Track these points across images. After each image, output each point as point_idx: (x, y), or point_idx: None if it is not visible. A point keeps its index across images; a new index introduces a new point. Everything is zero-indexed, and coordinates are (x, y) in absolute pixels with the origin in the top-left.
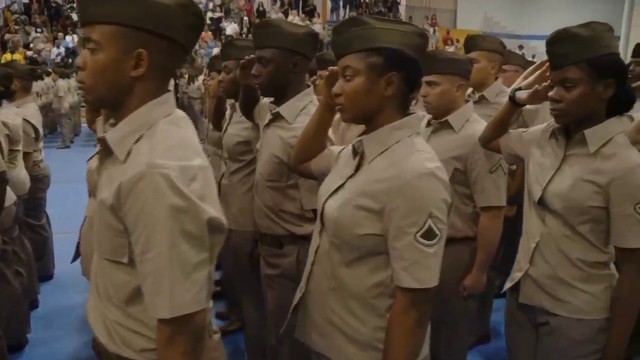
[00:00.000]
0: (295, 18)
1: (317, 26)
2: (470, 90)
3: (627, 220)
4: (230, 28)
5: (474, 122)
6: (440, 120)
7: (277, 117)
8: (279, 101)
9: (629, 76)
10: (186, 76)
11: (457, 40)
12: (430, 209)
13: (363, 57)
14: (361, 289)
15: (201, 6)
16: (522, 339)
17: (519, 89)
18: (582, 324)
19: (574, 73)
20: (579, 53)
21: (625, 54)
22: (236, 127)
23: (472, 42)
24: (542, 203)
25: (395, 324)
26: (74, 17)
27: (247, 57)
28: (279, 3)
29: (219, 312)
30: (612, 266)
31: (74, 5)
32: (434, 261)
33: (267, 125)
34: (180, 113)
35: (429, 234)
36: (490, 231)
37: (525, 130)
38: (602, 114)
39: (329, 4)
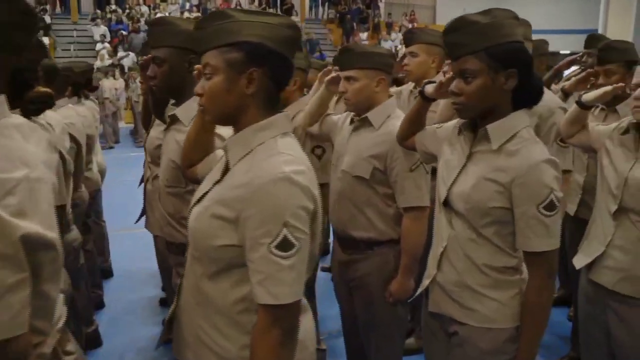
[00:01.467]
0: None
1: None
2: (411, 85)
3: (530, 222)
4: None
5: (395, 119)
6: (360, 118)
7: (174, 119)
8: (179, 103)
9: (581, 67)
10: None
11: None
12: (286, 217)
13: (222, 53)
14: (225, 304)
15: (178, 6)
16: (436, 350)
17: (430, 82)
18: (491, 334)
19: (472, 64)
20: (477, 42)
21: None
22: (157, 130)
23: (410, 35)
24: (447, 204)
25: (257, 343)
26: (47, 19)
27: (144, 57)
28: (256, 1)
29: None
30: (525, 270)
31: (47, 7)
32: (291, 274)
33: (167, 128)
34: (15, 120)
35: (284, 245)
36: (413, 233)
37: (440, 125)
38: (507, 107)
39: (307, 2)
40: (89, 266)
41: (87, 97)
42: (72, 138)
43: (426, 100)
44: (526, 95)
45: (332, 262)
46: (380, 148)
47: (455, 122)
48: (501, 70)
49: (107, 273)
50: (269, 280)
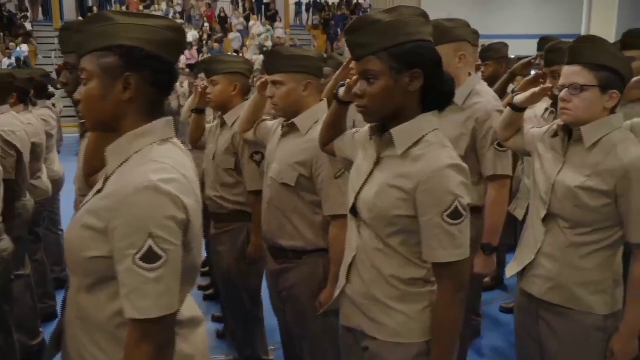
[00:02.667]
0: (257, 23)
1: (280, 31)
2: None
3: (434, 231)
4: (191, 35)
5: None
6: (287, 123)
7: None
8: None
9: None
10: None
11: None
12: (151, 228)
13: (97, 57)
14: (103, 318)
15: (162, 14)
16: None
17: (343, 84)
18: (400, 349)
19: (374, 65)
20: (378, 42)
21: None
22: None
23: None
24: (355, 212)
25: (127, 359)
26: (28, 26)
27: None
28: (241, 9)
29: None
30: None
31: (28, 14)
32: (157, 287)
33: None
34: None
35: (149, 257)
36: (341, 242)
37: (357, 130)
38: (414, 110)
39: (291, 9)
40: (39, 276)
41: (34, 105)
42: (12, 146)
43: (341, 104)
44: (436, 98)
45: (266, 272)
46: (305, 154)
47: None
48: (405, 71)
49: (64, 283)
50: (134, 293)
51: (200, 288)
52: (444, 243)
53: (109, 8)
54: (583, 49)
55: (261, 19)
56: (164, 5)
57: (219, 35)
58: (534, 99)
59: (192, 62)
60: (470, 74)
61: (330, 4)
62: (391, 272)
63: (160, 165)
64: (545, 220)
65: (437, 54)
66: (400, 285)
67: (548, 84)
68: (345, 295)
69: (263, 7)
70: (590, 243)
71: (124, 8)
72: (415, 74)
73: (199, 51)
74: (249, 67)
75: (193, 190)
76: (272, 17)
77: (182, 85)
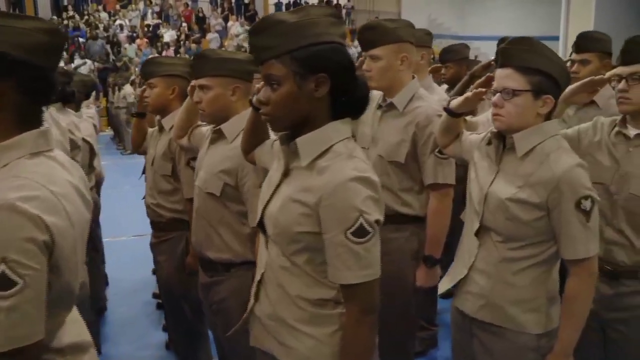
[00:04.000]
0: (235, 23)
1: None
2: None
3: (338, 250)
4: (168, 35)
5: None
6: (215, 129)
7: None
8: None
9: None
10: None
11: None
12: (5, 251)
13: None
14: None
15: (139, 13)
16: None
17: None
18: None
19: (277, 69)
20: (282, 44)
21: (565, 54)
22: None
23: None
24: (262, 227)
25: None
26: None
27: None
28: (219, 9)
29: None
30: None
31: None
32: (11, 317)
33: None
34: None
35: (2, 284)
36: None
37: (277, 138)
38: (323, 118)
39: (270, 10)
40: None
41: None
42: None
43: (257, 110)
44: (347, 104)
45: (198, 285)
46: (231, 162)
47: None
48: (310, 76)
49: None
50: None
51: (155, 296)
52: (349, 263)
53: (84, 7)
54: (515, 52)
55: (240, 20)
56: (141, 5)
57: (197, 35)
58: (467, 104)
59: None
60: (413, 77)
61: (310, 4)
62: (297, 292)
63: (22, 182)
64: (478, 233)
65: (346, 57)
66: (308, 307)
67: (482, 89)
68: (253, 315)
69: (243, 7)
70: (522, 258)
71: (100, 7)
72: (320, 79)
73: (176, 52)
74: (189, 69)
75: (63, 208)
76: (251, 18)
77: None
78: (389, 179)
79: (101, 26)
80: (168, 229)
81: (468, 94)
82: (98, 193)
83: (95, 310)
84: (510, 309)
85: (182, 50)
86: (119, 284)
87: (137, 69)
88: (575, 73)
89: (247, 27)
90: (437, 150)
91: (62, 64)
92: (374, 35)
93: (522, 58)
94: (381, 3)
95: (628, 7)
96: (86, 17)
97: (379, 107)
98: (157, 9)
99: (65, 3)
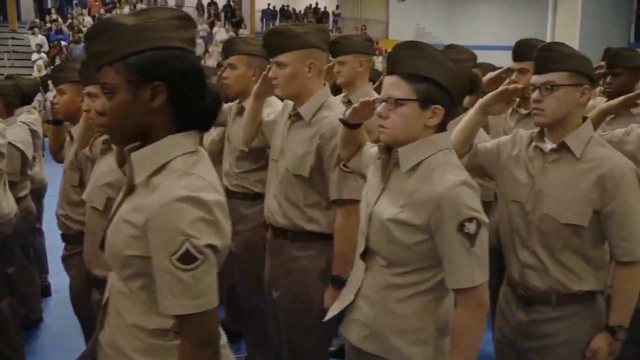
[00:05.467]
0: (221, 30)
1: None
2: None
3: (164, 277)
4: None
5: None
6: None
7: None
8: None
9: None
10: None
11: (386, 51)
12: None
13: None
14: None
15: None
16: None
17: None
18: None
19: (110, 77)
20: (116, 50)
21: None
22: None
23: (228, 46)
24: (103, 248)
25: None
26: None
27: None
28: (205, 15)
29: None
30: None
31: None
32: None
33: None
34: None
35: None
36: None
37: None
38: (163, 130)
39: (256, 15)
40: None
41: None
42: None
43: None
44: (191, 115)
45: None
46: (114, 175)
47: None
48: (145, 84)
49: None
50: None
51: None
52: (176, 292)
53: (69, 10)
54: (402, 57)
55: (226, 26)
56: (126, 9)
57: None
58: (357, 114)
59: None
60: (325, 84)
61: (297, 11)
62: (133, 321)
63: None
64: (364, 256)
65: (187, 63)
66: (144, 337)
67: (369, 98)
68: (99, 343)
69: (229, 13)
70: (407, 285)
71: (85, 11)
72: (157, 88)
73: None
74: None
75: None
76: (237, 24)
77: None
78: (294, 194)
79: (84, 30)
80: (77, 242)
81: (356, 104)
82: (37, 201)
83: (27, 323)
84: (395, 340)
85: None
86: (62, 294)
87: None
88: (514, 82)
89: (232, 34)
90: (342, 163)
91: (43, 67)
92: (279, 40)
93: (409, 64)
94: (369, 11)
95: (613, 16)
96: (70, 20)
97: (290, 116)
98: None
99: (49, 6)
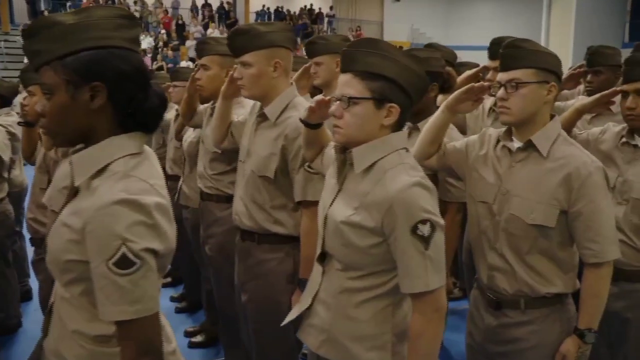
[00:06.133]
0: (215, 31)
1: None
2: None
3: (101, 282)
4: (146, 42)
5: None
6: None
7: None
8: None
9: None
10: None
11: None
12: None
13: None
14: None
15: None
16: None
17: None
18: None
19: (48, 77)
20: (53, 49)
21: None
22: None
23: (201, 47)
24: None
25: None
26: None
27: None
28: (200, 17)
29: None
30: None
31: None
32: None
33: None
34: None
35: None
36: None
37: None
38: (105, 132)
39: (251, 18)
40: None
41: None
42: None
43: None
44: (134, 116)
45: None
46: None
47: None
48: (84, 85)
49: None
50: None
51: (174, 299)
52: (113, 298)
53: (62, 11)
54: (357, 55)
55: (220, 27)
56: None
57: (175, 42)
58: (313, 114)
59: None
60: (292, 84)
61: (291, 12)
62: (76, 327)
63: None
64: (320, 259)
65: (128, 63)
66: (87, 344)
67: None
68: (42, 350)
69: (223, 15)
70: (363, 290)
71: None
72: (96, 88)
73: (153, 58)
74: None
75: None
76: (231, 26)
77: None
78: (260, 195)
79: None
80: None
81: (312, 103)
82: (17, 204)
83: (3, 328)
84: (352, 346)
85: (158, 57)
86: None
87: None
88: (490, 80)
89: (227, 35)
90: (307, 164)
91: None
92: (244, 40)
93: (363, 62)
94: (363, 12)
95: (608, 16)
96: None
97: (257, 117)
98: (136, 15)
99: (42, 8)
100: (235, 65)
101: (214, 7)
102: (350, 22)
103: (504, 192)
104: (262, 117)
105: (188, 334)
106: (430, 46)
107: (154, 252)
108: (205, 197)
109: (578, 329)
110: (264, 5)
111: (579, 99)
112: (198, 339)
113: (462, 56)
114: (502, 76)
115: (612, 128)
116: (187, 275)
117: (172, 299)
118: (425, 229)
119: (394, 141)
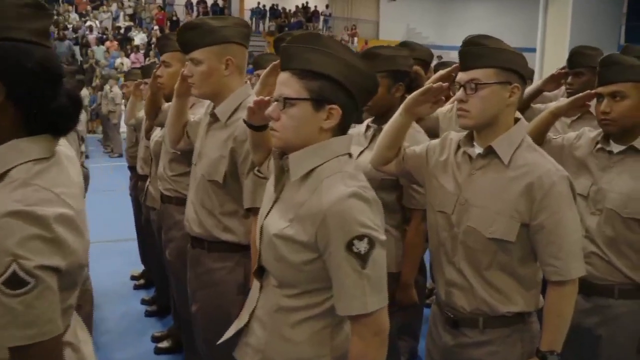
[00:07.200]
0: None
1: None
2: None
3: None
4: (139, 38)
5: None
6: None
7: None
8: None
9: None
10: None
11: None
12: None
13: None
14: None
15: (111, 15)
16: None
17: None
18: None
19: None
20: None
21: (542, 65)
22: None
23: (162, 43)
24: None
25: None
26: None
27: None
28: (195, 13)
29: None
30: None
31: None
32: None
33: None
34: None
35: None
36: None
37: None
38: (7, 134)
39: (246, 15)
40: None
41: None
42: None
43: None
44: (38, 118)
45: None
46: None
47: None
48: None
49: None
50: None
51: (145, 302)
52: (2, 321)
53: (55, 7)
54: (296, 51)
55: None
56: (114, 6)
57: None
58: (253, 114)
59: (137, 65)
60: (246, 82)
61: (287, 10)
62: None
63: None
64: (258, 273)
65: (31, 59)
66: None
67: (266, 97)
68: None
69: (218, 12)
70: (299, 309)
71: (71, 7)
72: None
73: (146, 54)
74: None
75: None
76: None
77: (112, 89)
78: (209, 201)
79: (70, 27)
80: None
81: (250, 104)
82: None
83: None
84: None
85: (151, 53)
86: None
87: (102, 72)
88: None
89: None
90: (256, 169)
91: None
92: (194, 36)
93: (302, 59)
94: (359, 11)
95: (604, 18)
96: (55, 17)
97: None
98: (130, 11)
99: None
100: (187, 62)
101: (209, 4)
102: (345, 20)
103: (463, 202)
104: (213, 117)
105: (155, 339)
106: (405, 45)
107: (53, 269)
108: (165, 200)
109: (540, 351)
110: (259, 3)
111: (560, 102)
112: (164, 344)
113: (456, 56)
114: (461, 76)
115: (587, 133)
116: (157, 279)
117: (143, 302)
118: (362, 246)
119: (335, 146)
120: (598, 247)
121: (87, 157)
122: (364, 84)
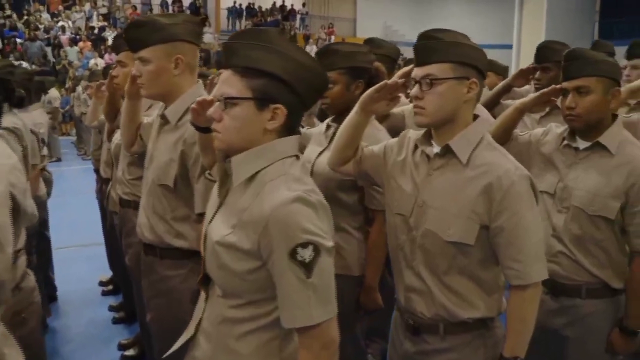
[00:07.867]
0: None
1: (209, 36)
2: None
3: None
4: (112, 38)
5: None
6: None
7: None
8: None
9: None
10: None
11: None
12: None
13: None
14: None
15: (84, 14)
16: None
17: None
18: None
19: None
20: None
21: (518, 61)
22: None
23: (118, 42)
24: None
25: None
26: None
27: None
28: (170, 10)
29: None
30: None
31: None
32: None
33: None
34: None
35: None
36: None
37: None
38: None
39: (222, 14)
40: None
41: None
42: None
43: None
44: None
45: None
46: None
47: None
48: None
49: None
50: None
51: (112, 309)
52: None
53: (26, 6)
54: (238, 48)
55: None
56: (87, 6)
57: None
58: (196, 115)
59: None
60: (198, 82)
61: (263, 9)
62: None
63: None
64: (203, 282)
65: None
66: None
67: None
68: None
69: (192, 11)
70: (244, 320)
71: (43, 7)
72: None
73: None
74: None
75: None
76: (201, 22)
77: (84, 91)
78: (161, 206)
79: (42, 27)
80: None
81: (193, 105)
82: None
83: None
84: None
85: None
86: None
87: (76, 73)
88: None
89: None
90: (207, 172)
91: None
92: (141, 33)
93: (245, 56)
94: (336, 9)
95: (578, 15)
96: (26, 17)
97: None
98: (103, 10)
99: (3, 1)
100: (136, 62)
101: (185, 3)
102: (322, 19)
103: (421, 204)
104: (163, 119)
105: (122, 347)
106: (370, 41)
107: None
108: (124, 204)
109: (503, 357)
110: (235, 2)
111: (530, 97)
112: (131, 352)
113: None
114: (416, 72)
115: (554, 129)
116: (123, 285)
117: (111, 308)
118: (306, 254)
119: (280, 148)
120: (565, 245)
121: (59, 159)
122: (311, 82)
